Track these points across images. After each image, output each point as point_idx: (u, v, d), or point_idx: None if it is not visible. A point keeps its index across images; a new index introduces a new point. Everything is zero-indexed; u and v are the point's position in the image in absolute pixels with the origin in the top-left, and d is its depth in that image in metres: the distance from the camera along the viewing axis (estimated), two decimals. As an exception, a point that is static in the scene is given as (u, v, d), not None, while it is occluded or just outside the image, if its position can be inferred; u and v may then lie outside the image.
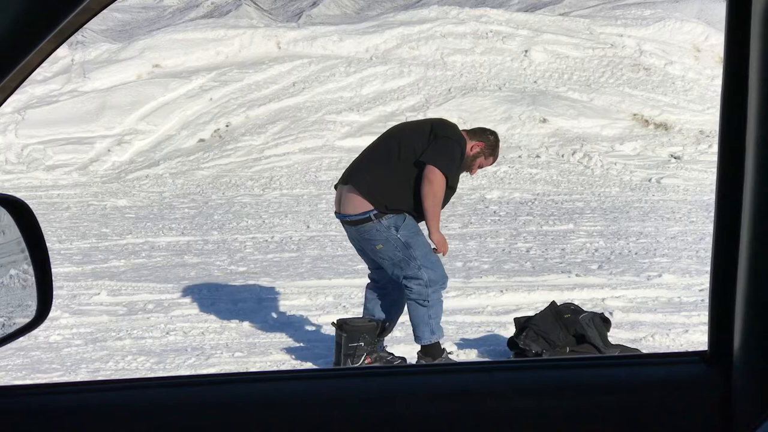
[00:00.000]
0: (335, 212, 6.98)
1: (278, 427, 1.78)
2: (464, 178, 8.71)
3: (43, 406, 1.82)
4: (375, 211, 6.64)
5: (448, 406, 1.76)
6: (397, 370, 2.24)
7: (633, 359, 1.85)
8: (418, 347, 6.90)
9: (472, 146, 6.86)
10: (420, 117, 18.94)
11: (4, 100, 1.48)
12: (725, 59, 1.55)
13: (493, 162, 7.10)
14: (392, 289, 6.95)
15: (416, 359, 6.93)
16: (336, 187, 7.04)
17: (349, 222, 6.78)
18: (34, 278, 1.83)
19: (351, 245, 7.25)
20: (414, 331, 6.81)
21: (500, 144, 7.16)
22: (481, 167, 7.04)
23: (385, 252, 6.69)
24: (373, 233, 6.67)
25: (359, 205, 6.69)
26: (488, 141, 6.93)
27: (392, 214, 6.65)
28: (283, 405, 1.80)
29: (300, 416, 1.78)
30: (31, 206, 1.82)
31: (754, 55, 1.48)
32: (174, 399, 1.82)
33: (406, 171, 6.67)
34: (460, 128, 6.96)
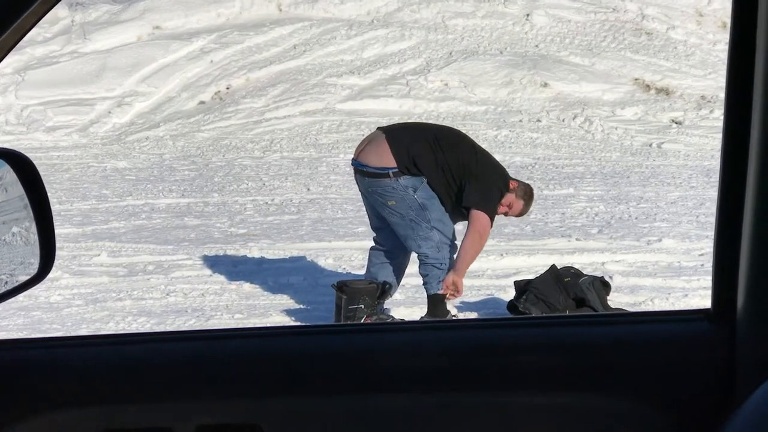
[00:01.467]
0: (353, 158, 6.88)
1: (272, 381, 1.79)
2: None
3: (44, 359, 1.83)
4: (395, 169, 6.59)
5: (446, 361, 1.77)
6: (396, 327, 2.25)
7: (636, 316, 1.85)
8: (418, 310, 6.92)
9: (511, 202, 6.87)
10: (421, 80, 18.91)
11: (0, 61, 1.48)
12: (732, 27, 1.54)
13: (516, 216, 7.13)
14: (397, 253, 6.94)
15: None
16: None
17: (364, 173, 6.70)
18: (36, 234, 1.83)
19: (352, 207, 7.25)
20: (424, 284, 6.81)
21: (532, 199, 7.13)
22: (506, 215, 7.06)
23: (396, 209, 6.63)
24: (388, 189, 6.61)
25: (383, 158, 6.61)
26: (526, 191, 6.94)
27: (410, 176, 6.62)
28: (278, 359, 1.80)
29: (296, 370, 1.79)
30: (33, 162, 1.81)
31: (762, 20, 1.47)
32: (168, 353, 1.83)
33: (446, 161, 6.66)
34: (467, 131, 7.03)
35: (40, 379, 1.80)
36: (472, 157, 6.75)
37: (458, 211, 6.74)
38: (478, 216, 6.60)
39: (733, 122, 1.55)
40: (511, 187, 6.85)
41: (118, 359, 1.84)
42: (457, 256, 6.68)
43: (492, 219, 6.70)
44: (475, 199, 6.61)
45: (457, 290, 6.64)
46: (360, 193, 6.97)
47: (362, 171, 6.72)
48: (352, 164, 6.91)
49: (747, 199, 1.52)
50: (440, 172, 6.66)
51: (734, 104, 1.54)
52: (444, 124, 16.57)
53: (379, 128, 6.99)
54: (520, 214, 7.09)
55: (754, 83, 1.49)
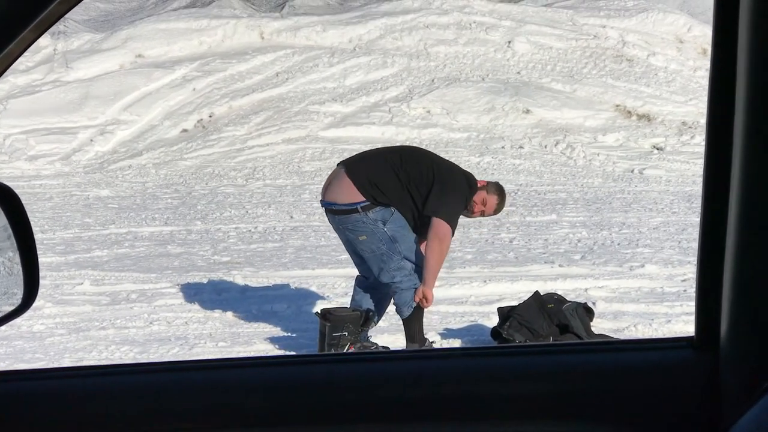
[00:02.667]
0: (321, 199, 6.93)
1: (256, 411, 1.78)
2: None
3: (27, 391, 1.82)
4: (363, 203, 6.61)
5: (430, 391, 1.76)
6: (380, 356, 2.24)
7: (620, 344, 1.86)
8: (402, 338, 6.91)
9: (484, 199, 6.91)
10: (404, 107, 18.95)
11: None
12: (713, 51, 1.55)
13: (493, 214, 7.17)
14: (381, 285, 6.94)
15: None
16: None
17: (334, 211, 6.74)
18: (20, 265, 1.83)
19: (335, 235, 7.25)
20: (398, 311, 6.84)
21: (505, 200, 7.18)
22: (483, 215, 7.09)
23: (367, 244, 6.67)
24: (358, 225, 6.65)
25: (349, 194, 6.64)
26: (498, 196, 6.98)
27: (380, 207, 6.63)
28: (262, 389, 1.80)
29: (280, 401, 1.78)
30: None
31: (742, 46, 1.48)
32: (154, 384, 1.83)
33: (409, 181, 6.67)
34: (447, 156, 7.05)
35: (21, 413, 1.79)
36: (432, 167, 6.74)
37: (427, 225, 6.75)
38: (437, 223, 6.61)
39: (715, 149, 1.56)
40: (479, 185, 6.88)
41: (100, 390, 1.83)
42: (423, 268, 6.70)
43: (452, 225, 6.65)
44: (433, 207, 6.62)
45: (427, 300, 6.69)
46: (333, 229, 7.00)
47: (331, 209, 6.74)
48: (321, 204, 6.93)
49: (729, 225, 1.53)
50: (405, 191, 6.67)
51: (716, 131, 1.55)
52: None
53: (339, 163, 6.98)
54: (495, 212, 7.10)
55: (735, 108, 1.50)
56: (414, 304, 6.73)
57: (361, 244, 6.70)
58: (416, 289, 6.69)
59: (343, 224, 6.72)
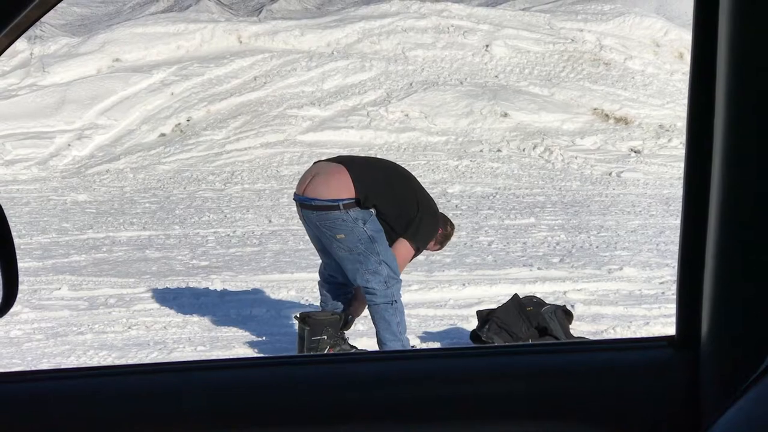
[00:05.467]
0: (296, 193, 6.76)
1: (235, 413, 1.78)
2: (425, 171, 8.78)
3: (16, 394, 1.82)
4: (346, 200, 6.52)
5: (412, 391, 1.76)
6: (360, 357, 2.24)
7: (600, 344, 1.86)
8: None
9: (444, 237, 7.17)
10: (382, 111, 18.95)
11: None
12: (693, 51, 1.56)
13: (439, 249, 7.39)
14: (348, 284, 6.91)
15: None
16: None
17: (312, 207, 6.58)
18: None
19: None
20: (381, 345, 6.73)
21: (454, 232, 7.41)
22: (433, 250, 7.34)
23: (345, 242, 6.55)
24: (337, 222, 6.53)
25: (333, 190, 6.52)
26: (446, 231, 7.15)
27: (361, 208, 6.58)
28: (242, 391, 1.80)
29: (260, 402, 1.78)
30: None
31: (722, 46, 1.49)
32: (129, 387, 1.82)
33: (399, 192, 6.75)
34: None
35: (12, 415, 1.79)
36: (421, 193, 6.90)
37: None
38: (402, 244, 6.78)
39: (695, 149, 1.56)
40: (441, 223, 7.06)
41: (77, 393, 1.82)
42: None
43: (416, 252, 6.93)
44: (411, 232, 6.78)
45: None
46: (306, 228, 6.88)
47: (309, 205, 6.58)
48: (295, 199, 6.77)
49: (710, 224, 1.54)
50: (394, 208, 6.68)
51: (696, 132, 1.56)
52: (405, 154, 16.62)
53: (323, 161, 6.92)
54: (441, 248, 7.35)
55: (715, 109, 1.51)
56: (402, 339, 6.69)
57: (338, 242, 6.57)
58: (395, 312, 6.66)
59: (321, 221, 6.56)
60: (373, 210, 6.60)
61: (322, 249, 6.83)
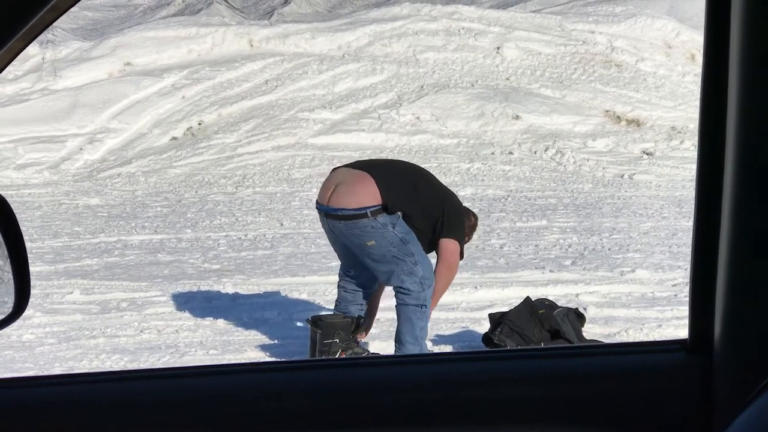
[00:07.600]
0: (320, 204, 6.66)
1: (246, 417, 1.78)
2: (436, 174, 8.78)
3: (24, 399, 1.81)
4: (373, 207, 6.44)
5: (424, 396, 1.76)
6: (371, 361, 2.24)
7: (613, 348, 1.85)
8: (392, 343, 6.89)
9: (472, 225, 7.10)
10: (393, 114, 18.94)
11: None
12: (705, 53, 1.55)
13: (467, 242, 7.22)
14: (368, 287, 6.91)
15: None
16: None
17: (339, 216, 6.51)
18: (11, 273, 1.83)
19: (325, 242, 7.18)
20: (399, 345, 6.71)
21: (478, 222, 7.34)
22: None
23: (377, 248, 6.49)
24: (366, 230, 6.46)
25: (360, 198, 6.45)
26: (471, 222, 7.07)
27: (387, 214, 6.53)
28: (253, 396, 1.79)
29: (272, 406, 1.78)
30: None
31: (734, 49, 1.49)
32: (140, 392, 1.82)
33: (424, 193, 6.70)
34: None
35: (18, 421, 1.78)
36: (448, 194, 6.86)
37: (427, 245, 6.77)
38: (449, 244, 6.67)
39: (708, 152, 1.56)
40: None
41: (84, 399, 1.82)
42: (435, 292, 6.73)
43: (462, 252, 6.86)
44: (447, 231, 6.70)
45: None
46: (328, 235, 6.80)
47: (335, 215, 6.50)
48: (319, 209, 6.67)
49: (723, 227, 1.53)
50: (420, 210, 6.65)
51: (708, 134, 1.55)
52: (417, 157, 16.60)
53: (343, 168, 6.84)
54: (469, 240, 7.23)
55: (727, 110, 1.50)
56: (421, 344, 6.67)
57: (369, 249, 6.51)
58: (424, 318, 6.64)
59: (350, 230, 6.49)
60: (399, 213, 6.55)
61: (345, 254, 6.81)
